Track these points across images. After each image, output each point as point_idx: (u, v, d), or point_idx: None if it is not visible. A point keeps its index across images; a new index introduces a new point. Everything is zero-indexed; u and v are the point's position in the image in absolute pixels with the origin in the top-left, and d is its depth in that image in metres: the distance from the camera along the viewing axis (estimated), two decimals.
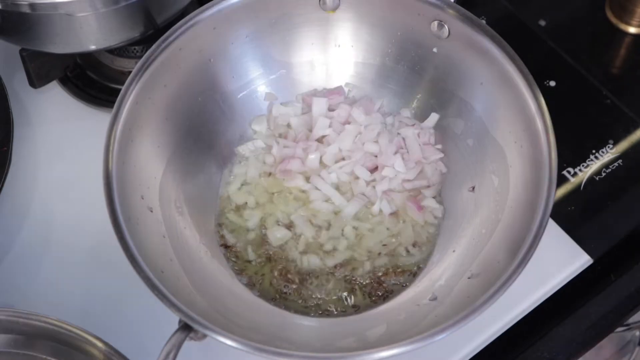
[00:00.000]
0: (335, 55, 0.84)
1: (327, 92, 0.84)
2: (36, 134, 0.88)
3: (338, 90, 0.85)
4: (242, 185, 0.81)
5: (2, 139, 0.82)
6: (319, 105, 0.83)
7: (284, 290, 0.76)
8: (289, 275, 0.76)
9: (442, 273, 0.75)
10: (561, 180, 0.83)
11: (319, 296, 0.76)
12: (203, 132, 0.80)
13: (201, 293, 0.70)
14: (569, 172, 0.84)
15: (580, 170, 0.84)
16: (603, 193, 0.83)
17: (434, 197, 0.80)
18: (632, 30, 0.94)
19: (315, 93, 0.85)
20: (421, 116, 0.83)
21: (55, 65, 0.87)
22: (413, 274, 0.76)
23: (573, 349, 0.76)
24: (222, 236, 0.79)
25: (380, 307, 0.75)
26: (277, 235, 0.78)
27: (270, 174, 0.81)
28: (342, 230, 0.78)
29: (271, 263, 0.77)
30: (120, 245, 0.66)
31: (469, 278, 0.71)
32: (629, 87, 0.90)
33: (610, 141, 0.85)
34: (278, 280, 0.76)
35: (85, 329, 0.66)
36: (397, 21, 0.80)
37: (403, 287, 0.76)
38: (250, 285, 0.76)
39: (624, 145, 0.85)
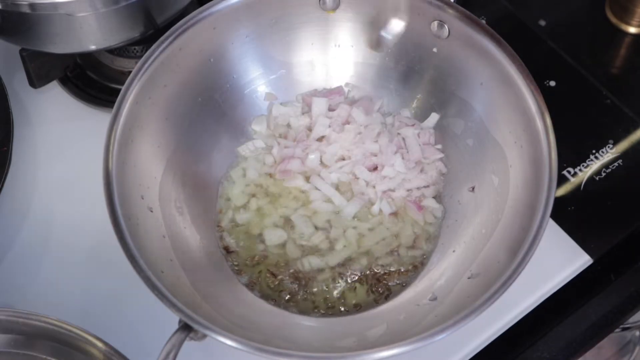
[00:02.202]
0: (335, 55, 0.84)
1: (327, 92, 0.84)
2: (36, 134, 0.88)
3: (338, 90, 0.85)
4: (241, 185, 0.81)
5: (2, 139, 0.82)
6: (319, 105, 0.83)
7: (284, 290, 0.76)
8: (290, 276, 0.76)
9: (442, 273, 0.75)
10: (561, 180, 0.83)
11: (320, 296, 0.76)
12: (203, 132, 0.80)
13: (201, 293, 0.70)
14: (569, 172, 0.84)
15: (580, 170, 0.84)
16: (603, 193, 0.83)
17: (434, 197, 0.80)
18: (632, 30, 0.94)
19: (315, 93, 0.85)
20: (421, 116, 0.83)
21: (55, 65, 0.87)
22: (413, 273, 0.76)
23: (573, 349, 0.76)
24: (222, 237, 0.79)
25: (381, 307, 0.75)
26: (273, 236, 0.78)
27: (270, 174, 0.81)
28: (343, 230, 0.78)
29: (271, 263, 0.77)
30: (120, 245, 0.66)
31: (469, 278, 0.71)
32: (629, 87, 0.90)
33: (610, 141, 0.85)
34: (278, 280, 0.76)
35: (85, 329, 0.66)
36: None
37: (403, 287, 0.76)
38: (250, 285, 0.76)
39: (624, 145, 0.85)
